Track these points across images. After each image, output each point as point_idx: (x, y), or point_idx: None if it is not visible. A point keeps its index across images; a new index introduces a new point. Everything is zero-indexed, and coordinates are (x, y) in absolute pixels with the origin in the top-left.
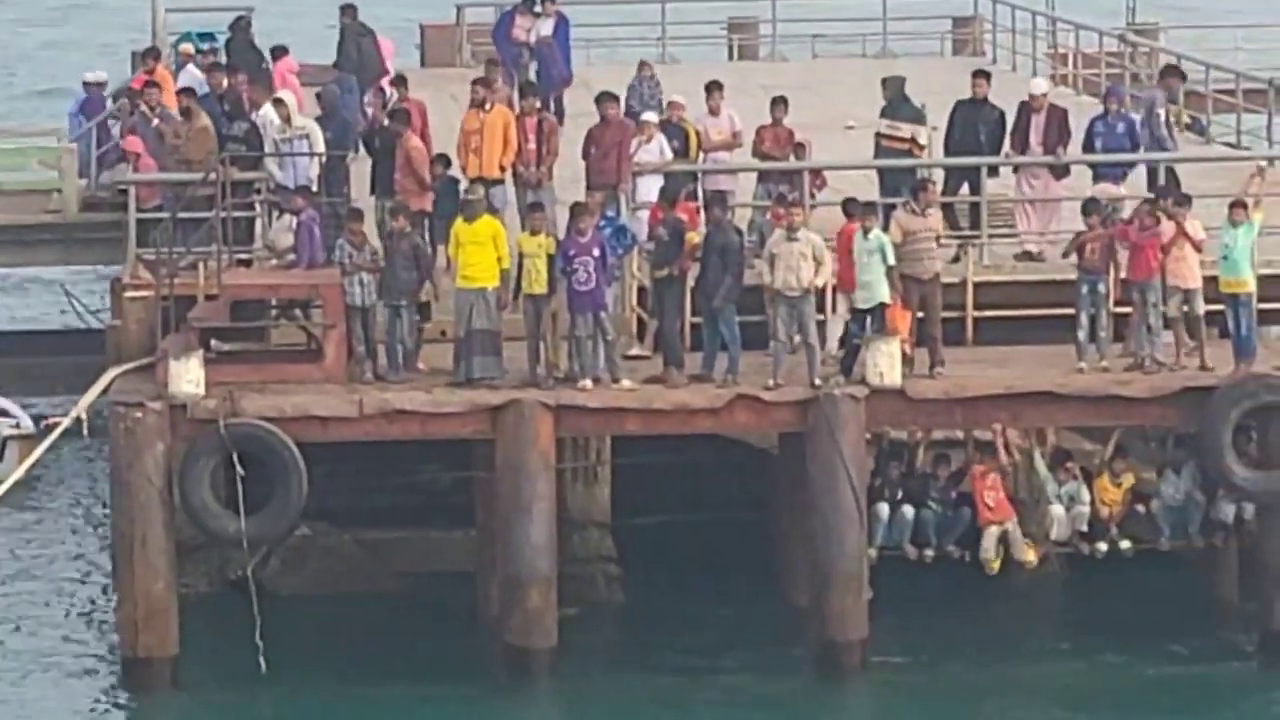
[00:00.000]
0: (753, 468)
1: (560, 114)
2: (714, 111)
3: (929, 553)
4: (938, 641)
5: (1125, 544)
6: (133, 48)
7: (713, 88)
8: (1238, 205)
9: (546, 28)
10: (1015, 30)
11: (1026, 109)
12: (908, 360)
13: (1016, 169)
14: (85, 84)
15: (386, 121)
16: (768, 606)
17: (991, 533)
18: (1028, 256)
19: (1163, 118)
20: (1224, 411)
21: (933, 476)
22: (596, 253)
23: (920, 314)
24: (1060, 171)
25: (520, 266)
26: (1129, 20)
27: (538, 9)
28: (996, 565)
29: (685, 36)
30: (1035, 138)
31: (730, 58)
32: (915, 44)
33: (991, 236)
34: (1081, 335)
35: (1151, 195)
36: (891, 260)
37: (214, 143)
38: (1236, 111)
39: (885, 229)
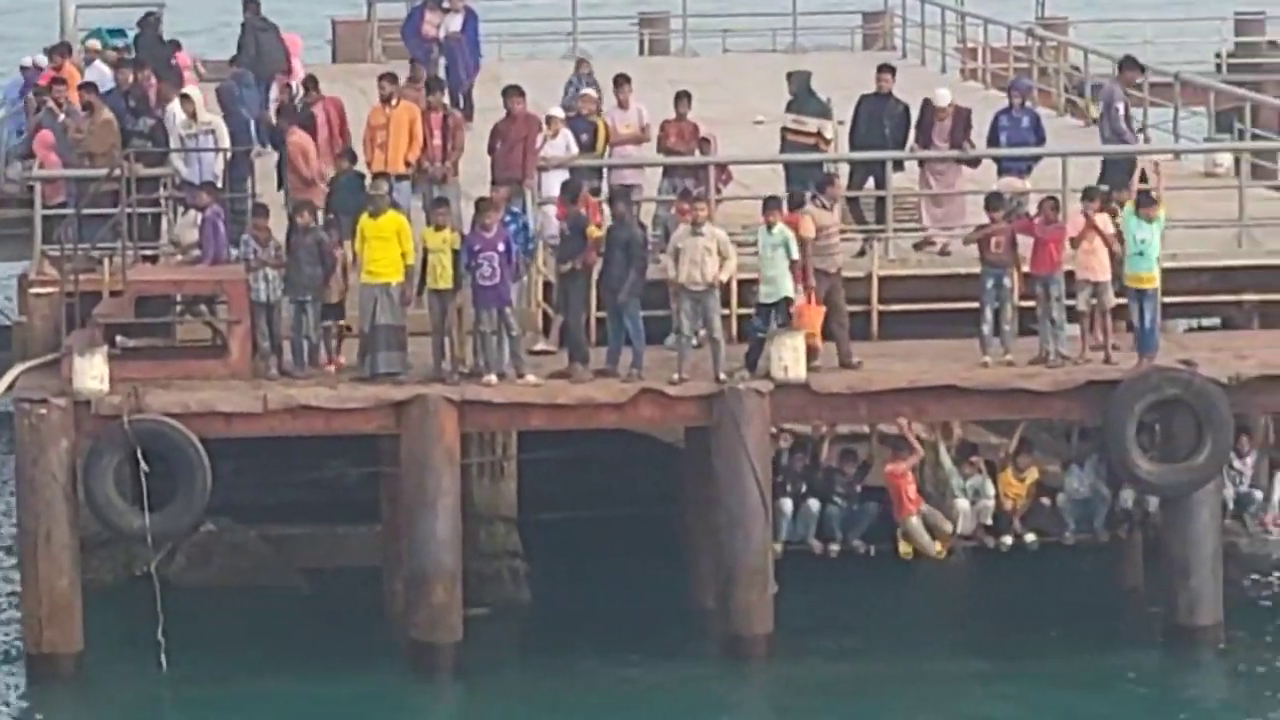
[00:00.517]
0: (659, 462)
1: (469, 109)
2: (623, 105)
3: (834, 547)
4: (843, 635)
5: (1030, 537)
6: (44, 44)
7: (620, 81)
8: (1149, 201)
9: (455, 23)
10: (925, 25)
11: (930, 107)
12: (815, 354)
13: (921, 164)
14: (23, 68)
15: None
16: (674, 601)
17: (913, 522)
18: (927, 244)
19: (1121, 111)
20: (1127, 405)
21: (839, 471)
22: (501, 248)
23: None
24: (967, 164)
25: (425, 262)
26: (1038, 15)
27: (446, 4)
28: (910, 551)
29: (596, 31)
30: (939, 136)
31: (641, 52)
32: (826, 39)
33: (896, 231)
34: (985, 329)
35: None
36: (795, 255)
37: (117, 137)
38: (1143, 106)
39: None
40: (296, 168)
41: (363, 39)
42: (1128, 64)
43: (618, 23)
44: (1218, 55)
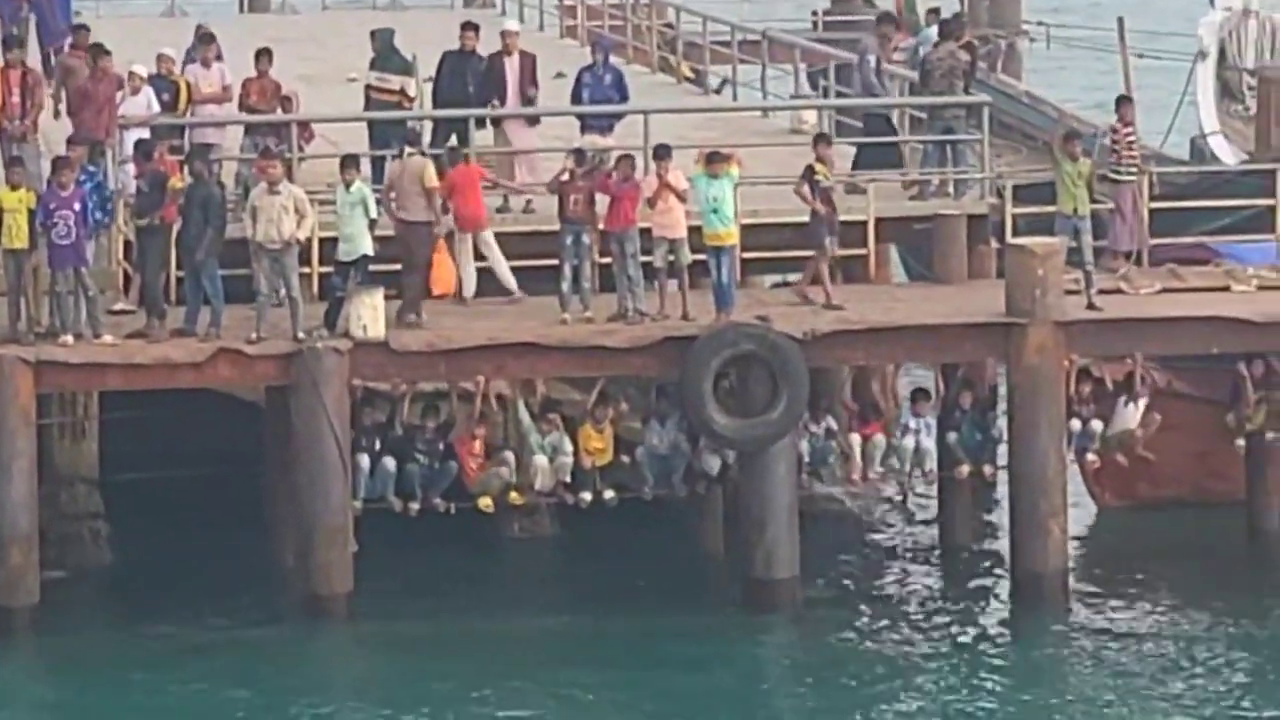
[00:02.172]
0: (243, 422)
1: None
2: (205, 64)
3: (414, 505)
4: (426, 594)
5: (610, 493)
6: None
7: (203, 40)
8: (716, 158)
9: None
10: None
11: (499, 58)
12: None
13: (497, 122)
14: None
15: None
16: (257, 560)
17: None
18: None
19: (873, 64)
20: (704, 360)
21: (419, 429)
22: (77, 207)
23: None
24: (533, 120)
25: (0, 221)
26: None
27: None
28: (490, 504)
29: None
30: (511, 84)
31: (241, 10)
32: None
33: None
34: (565, 286)
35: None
36: (374, 213)
37: None
38: (732, 63)
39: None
40: None
41: None
42: (884, 19)
43: None
44: (814, 13)
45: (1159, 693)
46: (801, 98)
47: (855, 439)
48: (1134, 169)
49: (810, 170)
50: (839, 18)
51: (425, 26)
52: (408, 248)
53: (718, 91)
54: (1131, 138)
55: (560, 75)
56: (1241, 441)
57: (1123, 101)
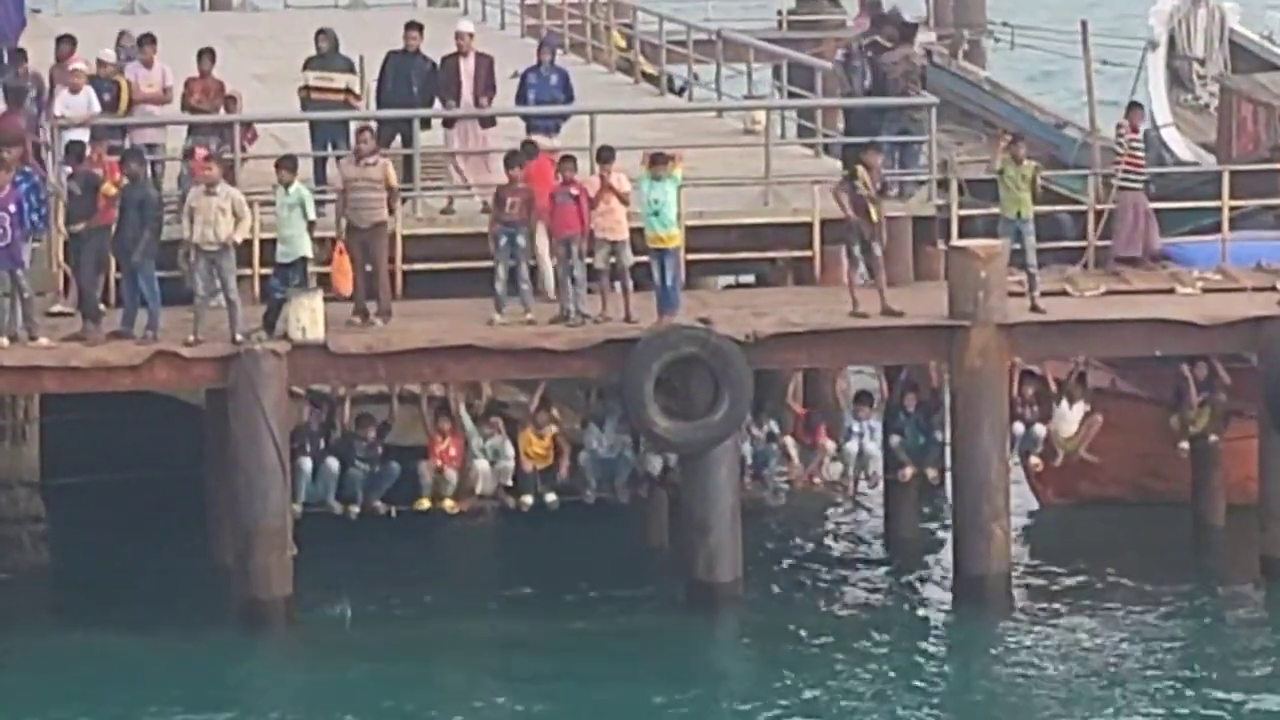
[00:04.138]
0: (184, 424)
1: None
2: (147, 64)
3: (355, 509)
4: (365, 598)
5: (551, 497)
6: None
7: (145, 41)
8: (659, 160)
9: None
10: None
11: (454, 59)
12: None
13: (449, 122)
14: None
15: None
16: (197, 564)
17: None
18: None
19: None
20: (645, 363)
21: (357, 436)
22: (13, 209)
23: (367, 266)
24: (488, 121)
25: None
26: None
27: None
28: (427, 505)
29: None
30: (466, 86)
31: (203, 8)
32: None
33: (425, 189)
34: (499, 288)
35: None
36: (312, 215)
37: None
38: (688, 62)
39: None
40: None
41: None
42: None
43: None
44: (779, 13)
45: (1100, 688)
46: (756, 98)
47: (789, 442)
48: (1139, 176)
49: (852, 175)
50: (804, 18)
51: (388, 25)
52: (369, 249)
53: (680, 91)
54: (1137, 145)
55: (516, 74)
56: (1186, 444)
57: (1133, 108)
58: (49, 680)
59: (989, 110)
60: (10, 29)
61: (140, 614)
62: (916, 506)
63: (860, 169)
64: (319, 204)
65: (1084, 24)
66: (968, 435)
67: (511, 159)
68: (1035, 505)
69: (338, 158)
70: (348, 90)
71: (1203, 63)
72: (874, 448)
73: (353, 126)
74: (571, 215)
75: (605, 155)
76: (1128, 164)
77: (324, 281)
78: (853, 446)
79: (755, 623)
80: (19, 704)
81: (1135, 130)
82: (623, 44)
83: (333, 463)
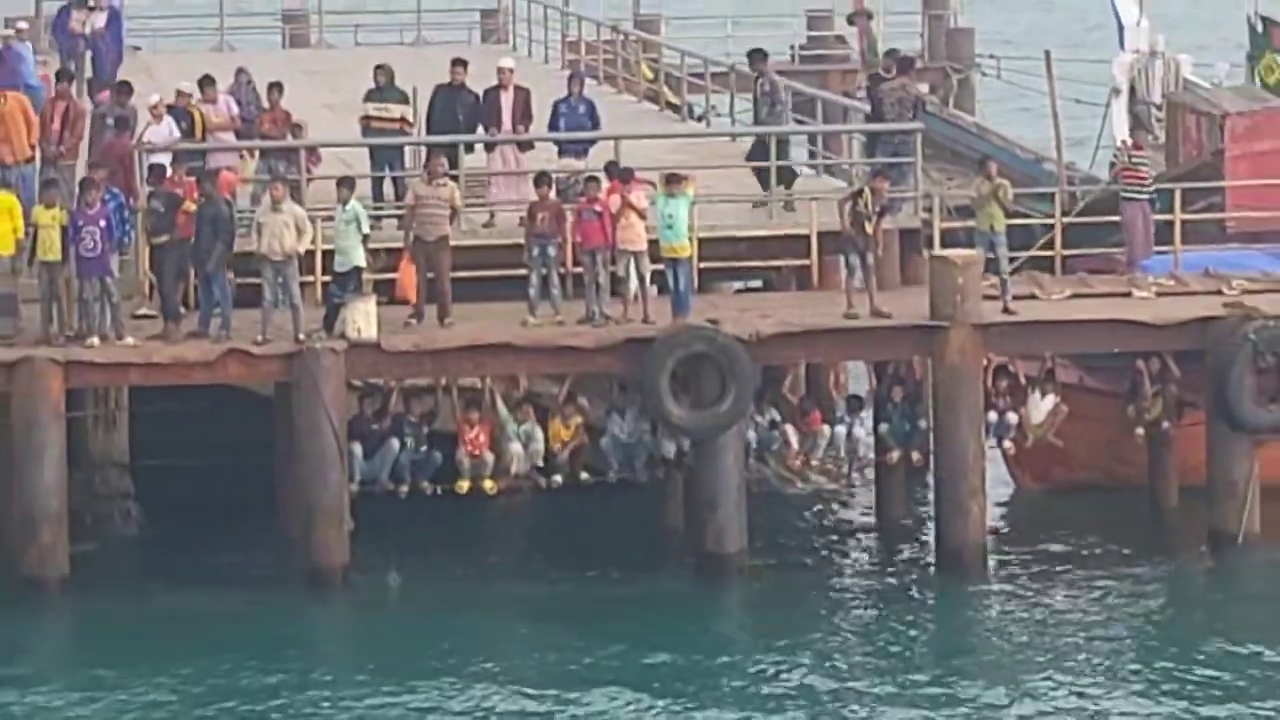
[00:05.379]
0: (255, 414)
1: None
2: (211, 100)
3: (404, 489)
4: (413, 565)
5: (583, 475)
6: None
7: (206, 83)
8: (674, 179)
9: (100, 21)
10: (531, 21)
11: (495, 91)
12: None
13: (490, 147)
14: None
15: None
16: (266, 536)
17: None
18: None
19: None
20: (661, 360)
21: (407, 414)
22: (103, 223)
23: (430, 274)
24: (526, 146)
25: (35, 236)
26: (636, 12)
27: (91, 3)
28: (466, 487)
29: (241, 27)
30: (506, 115)
31: (284, 45)
32: (447, 33)
33: (469, 206)
34: (532, 292)
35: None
36: (366, 229)
37: None
38: (705, 92)
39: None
40: None
41: (34, 38)
42: (755, 55)
43: (262, 19)
44: (792, 47)
45: (1066, 647)
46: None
47: (789, 429)
48: (1143, 188)
49: (857, 194)
50: (814, 51)
51: (442, 61)
52: (434, 260)
53: (699, 118)
54: (1141, 160)
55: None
56: (1141, 431)
57: (1136, 130)
58: (137, 637)
59: (976, 150)
60: (108, 63)
61: (216, 579)
62: (903, 486)
63: (867, 190)
64: (375, 220)
65: (1048, 54)
66: (948, 423)
67: (541, 179)
68: (1013, 489)
69: (393, 179)
70: (402, 119)
71: (1160, 107)
72: (863, 433)
73: (407, 151)
74: (596, 230)
75: (625, 176)
76: (1132, 177)
77: (381, 287)
78: (842, 431)
79: (758, 590)
80: (112, 657)
81: (1139, 148)
82: (650, 76)
83: (394, 442)
